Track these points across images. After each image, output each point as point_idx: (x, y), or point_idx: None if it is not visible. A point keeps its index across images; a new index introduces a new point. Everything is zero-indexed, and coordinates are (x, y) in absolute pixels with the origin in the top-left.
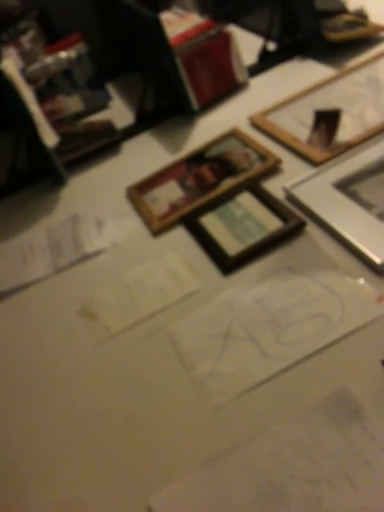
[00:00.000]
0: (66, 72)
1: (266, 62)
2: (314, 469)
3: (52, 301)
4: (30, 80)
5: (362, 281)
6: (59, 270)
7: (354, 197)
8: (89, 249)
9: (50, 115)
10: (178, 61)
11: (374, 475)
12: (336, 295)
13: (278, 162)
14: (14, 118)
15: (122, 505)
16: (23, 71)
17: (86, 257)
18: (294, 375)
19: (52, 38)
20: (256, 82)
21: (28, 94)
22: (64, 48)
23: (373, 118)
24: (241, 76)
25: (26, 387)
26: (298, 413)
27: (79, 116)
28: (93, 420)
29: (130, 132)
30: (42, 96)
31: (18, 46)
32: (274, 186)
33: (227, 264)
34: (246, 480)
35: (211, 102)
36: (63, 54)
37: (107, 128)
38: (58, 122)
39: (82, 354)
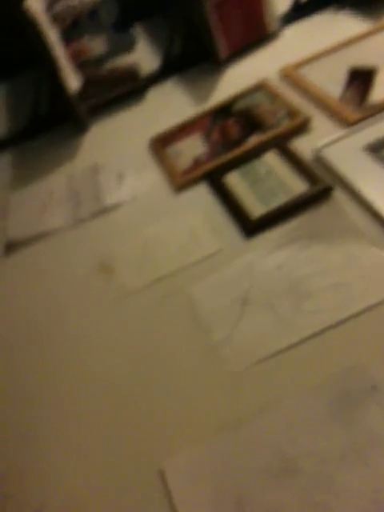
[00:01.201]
0: (92, 13)
1: (300, 11)
2: (326, 445)
3: (69, 253)
4: (54, 20)
5: None
6: (78, 222)
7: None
8: (109, 201)
9: (73, 57)
10: (208, 5)
11: None
12: (360, 266)
13: (308, 120)
14: (37, 60)
15: (135, 467)
16: (48, 10)
17: (106, 209)
18: (311, 346)
19: None
20: (288, 33)
21: (52, 35)
22: None
23: None
24: (272, 25)
25: (39, 341)
26: (313, 385)
27: (103, 59)
28: (106, 379)
29: (155, 78)
30: (67, 37)
31: None
32: (302, 146)
33: (249, 226)
34: (257, 451)
35: (240, 51)
36: None
37: (131, 73)
38: (81, 64)
39: (98, 310)
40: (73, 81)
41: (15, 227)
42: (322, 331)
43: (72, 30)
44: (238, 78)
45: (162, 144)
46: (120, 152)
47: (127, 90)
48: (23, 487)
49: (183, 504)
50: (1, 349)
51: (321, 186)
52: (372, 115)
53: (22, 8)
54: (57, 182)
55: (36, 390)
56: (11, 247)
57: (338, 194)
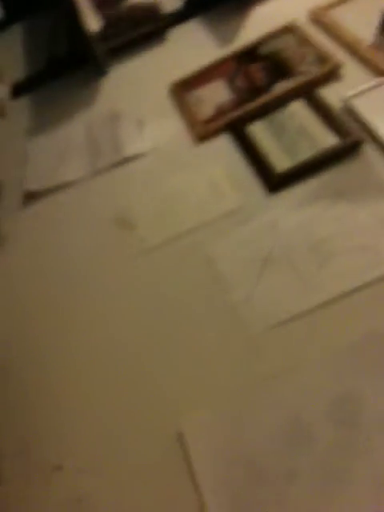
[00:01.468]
0: None
1: None
2: (345, 412)
3: (87, 204)
4: None
5: None
6: (96, 172)
7: None
8: (128, 151)
9: None
10: None
11: None
12: None
13: (338, 66)
14: None
15: (153, 428)
16: None
17: (125, 160)
18: (333, 310)
19: None
20: None
21: None
22: None
23: None
24: None
25: (56, 295)
26: (333, 351)
27: None
28: (123, 338)
29: (177, 18)
30: None
31: None
32: (331, 95)
33: (273, 181)
34: (274, 415)
35: None
36: None
37: (152, 12)
38: (100, 3)
39: (116, 266)
40: (91, 21)
41: (33, 177)
42: (345, 294)
43: None
44: (264, 20)
45: (183, 90)
46: (140, 98)
47: (148, 30)
48: (42, 445)
49: (199, 465)
50: (18, 304)
51: (350, 140)
52: None
53: None
54: (75, 130)
55: (53, 348)
56: (29, 197)
57: (368, 149)
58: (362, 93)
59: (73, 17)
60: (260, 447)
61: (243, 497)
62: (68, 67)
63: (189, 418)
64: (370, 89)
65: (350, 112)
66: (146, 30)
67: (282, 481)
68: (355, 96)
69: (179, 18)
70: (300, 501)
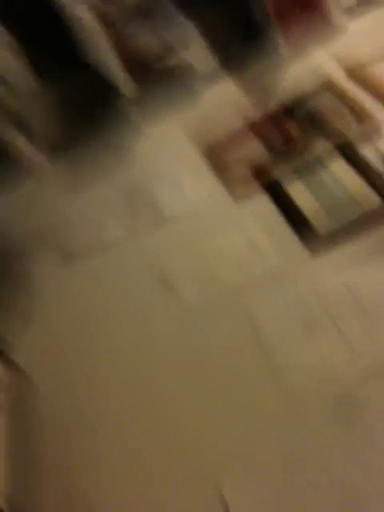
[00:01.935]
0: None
1: (367, 3)
2: None
3: (128, 266)
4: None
5: None
6: (136, 233)
7: None
8: (168, 212)
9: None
10: None
11: None
12: None
13: (379, 124)
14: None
15: (193, 488)
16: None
17: (165, 221)
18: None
19: None
20: (354, 26)
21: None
22: None
23: None
24: (337, 16)
25: (99, 354)
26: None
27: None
28: (167, 397)
29: (211, 76)
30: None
31: None
32: (372, 153)
33: (315, 241)
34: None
35: (302, 45)
36: None
37: (186, 72)
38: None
39: (160, 326)
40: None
41: (74, 238)
42: None
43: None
44: (299, 77)
45: (218, 150)
46: (177, 158)
47: (182, 90)
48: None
49: None
50: (62, 365)
51: None
52: None
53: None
54: (113, 190)
55: (100, 407)
56: (70, 258)
57: None
58: None
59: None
60: None
61: None
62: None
63: (233, 488)
64: None
65: None
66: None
67: None
68: None
69: (213, 76)
70: None
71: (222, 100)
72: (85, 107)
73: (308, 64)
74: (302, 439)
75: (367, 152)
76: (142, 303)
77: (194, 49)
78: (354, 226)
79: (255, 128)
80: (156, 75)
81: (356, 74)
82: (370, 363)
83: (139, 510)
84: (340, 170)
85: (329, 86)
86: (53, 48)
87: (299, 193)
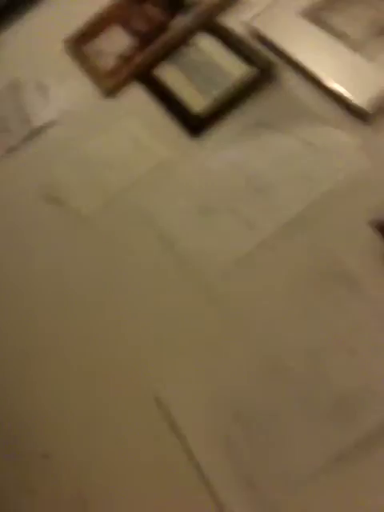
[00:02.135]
0: None
1: None
2: (310, 339)
3: (9, 188)
4: None
5: (344, 130)
6: (10, 150)
7: (327, 26)
8: (37, 121)
9: None
10: None
11: (371, 339)
12: (316, 149)
13: None
14: None
15: (129, 397)
16: None
17: (37, 131)
18: (280, 242)
19: None
20: None
21: None
22: None
23: None
24: None
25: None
26: (288, 284)
27: None
28: (80, 315)
29: None
30: None
31: None
32: (233, 21)
33: (194, 124)
34: (245, 357)
35: None
36: None
37: None
38: None
39: (55, 243)
40: None
41: None
42: (288, 225)
43: None
44: None
45: (79, 44)
46: (37, 61)
47: None
48: (29, 432)
49: (183, 421)
50: None
51: (261, 65)
52: None
53: None
54: None
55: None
56: None
57: (282, 71)
58: (262, 12)
59: None
60: (238, 393)
61: (235, 443)
62: None
63: (163, 379)
64: (270, 7)
65: (256, 35)
66: None
67: (268, 420)
68: (257, 17)
69: None
70: (286, 438)
71: None
72: None
73: None
74: (217, 316)
75: (228, 21)
76: (32, 221)
77: None
78: (231, 101)
79: (113, 14)
80: None
81: None
82: (264, 232)
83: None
84: (205, 43)
85: None
86: None
87: (169, 75)
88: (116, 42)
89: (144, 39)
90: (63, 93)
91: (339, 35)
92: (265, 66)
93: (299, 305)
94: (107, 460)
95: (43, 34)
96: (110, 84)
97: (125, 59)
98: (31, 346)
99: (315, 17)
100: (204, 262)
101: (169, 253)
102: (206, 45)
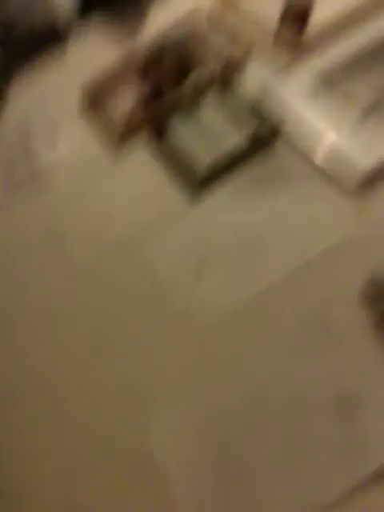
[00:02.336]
0: None
1: None
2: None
3: (12, 225)
4: None
5: (341, 193)
6: (14, 189)
7: (335, 91)
8: (43, 164)
9: None
10: None
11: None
12: (311, 213)
13: (248, 52)
14: None
15: (117, 437)
16: None
17: (42, 173)
18: (274, 295)
19: None
20: None
21: None
22: None
23: None
24: None
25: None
26: (277, 335)
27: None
28: (73, 354)
29: (77, 21)
30: None
31: None
32: (244, 83)
33: (195, 180)
34: (233, 396)
35: None
36: None
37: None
38: None
39: (54, 282)
40: None
41: None
42: (282, 279)
43: None
44: (167, 11)
45: (95, 93)
46: (50, 106)
47: (48, 42)
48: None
49: (167, 461)
50: None
51: (267, 127)
52: (316, 41)
53: None
54: None
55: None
56: None
57: (283, 136)
58: (273, 76)
59: None
60: (224, 438)
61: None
62: None
63: (152, 422)
64: (281, 72)
65: (265, 97)
66: (46, 42)
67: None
68: (268, 80)
69: (78, 20)
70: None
71: (93, 45)
72: None
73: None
74: (212, 359)
75: (238, 81)
76: (34, 258)
77: None
78: (233, 162)
79: (131, 69)
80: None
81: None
82: (259, 285)
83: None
84: (213, 103)
85: (197, 16)
86: None
87: (178, 133)
88: (129, 95)
89: (156, 94)
90: (72, 138)
91: (344, 104)
92: (268, 131)
93: (286, 355)
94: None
95: (61, 79)
96: (119, 134)
97: (135, 112)
98: (19, 385)
99: (326, 83)
100: (197, 311)
101: (163, 300)
102: (214, 105)
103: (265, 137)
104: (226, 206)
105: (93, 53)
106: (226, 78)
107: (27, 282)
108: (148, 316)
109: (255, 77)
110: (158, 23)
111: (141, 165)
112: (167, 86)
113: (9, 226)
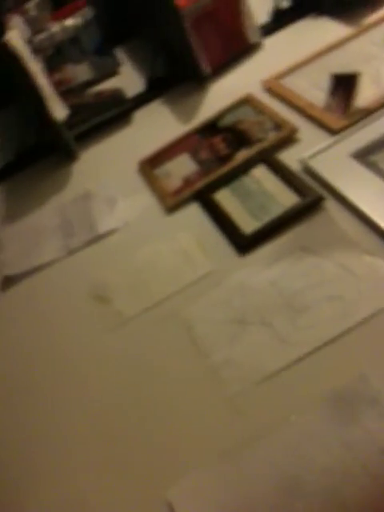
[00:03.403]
0: (73, 39)
1: (280, 20)
2: (330, 459)
3: (64, 284)
4: (36, 50)
5: (381, 260)
6: (71, 252)
7: (375, 168)
8: (101, 229)
9: (58, 85)
10: (185, 24)
11: None
12: (353, 276)
13: (294, 131)
14: (21, 92)
15: (139, 500)
16: (30, 42)
17: (99, 237)
18: (311, 362)
19: (57, 3)
20: (269, 43)
21: (34, 66)
22: (70, 13)
23: None
24: (253, 36)
25: (36, 374)
26: (315, 402)
27: (88, 84)
28: (105, 410)
29: (141, 100)
30: (50, 65)
31: (24, 13)
32: (290, 157)
33: (242, 243)
34: (263, 472)
35: (223, 65)
36: (70, 22)
37: (117, 97)
38: (66, 92)
39: (95, 340)
40: (59, 110)
41: (10, 262)
42: (320, 346)
43: (55, 58)
44: (222, 93)
45: (150, 166)
46: (110, 177)
47: (113, 114)
48: None
49: None
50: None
51: (310, 197)
52: (357, 121)
53: (1, 41)
54: (49, 213)
55: (30, 428)
56: (7, 282)
57: (329, 204)
58: (317, 152)
59: (40, 108)
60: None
61: None
62: (38, 156)
63: (175, 484)
64: (325, 148)
65: (309, 171)
66: (112, 114)
67: None
68: (312, 156)
69: (142, 100)
70: None
71: (151, 120)
72: (20, 135)
73: (229, 81)
74: (239, 430)
75: (286, 157)
76: (78, 317)
77: (122, 75)
78: (276, 224)
79: (183, 144)
80: (88, 100)
81: (271, 86)
82: (297, 351)
83: None
84: (262, 175)
85: (248, 100)
86: None
87: (226, 199)
88: (183, 167)
89: (208, 167)
90: (129, 206)
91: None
92: (313, 198)
93: (322, 425)
94: None
95: (119, 155)
96: (172, 202)
97: (188, 182)
98: (48, 436)
99: (365, 159)
100: (234, 373)
101: (200, 360)
102: (262, 175)
103: (306, 206)
104: (270, 266)
105: (152, 132)
106: (272, 155)
107: (70, 332)
108: (183, 375)
109: (301, 152)
110: (212, 106)
111: (189, 228)
112: (217, 161)
113: (60, 283)
